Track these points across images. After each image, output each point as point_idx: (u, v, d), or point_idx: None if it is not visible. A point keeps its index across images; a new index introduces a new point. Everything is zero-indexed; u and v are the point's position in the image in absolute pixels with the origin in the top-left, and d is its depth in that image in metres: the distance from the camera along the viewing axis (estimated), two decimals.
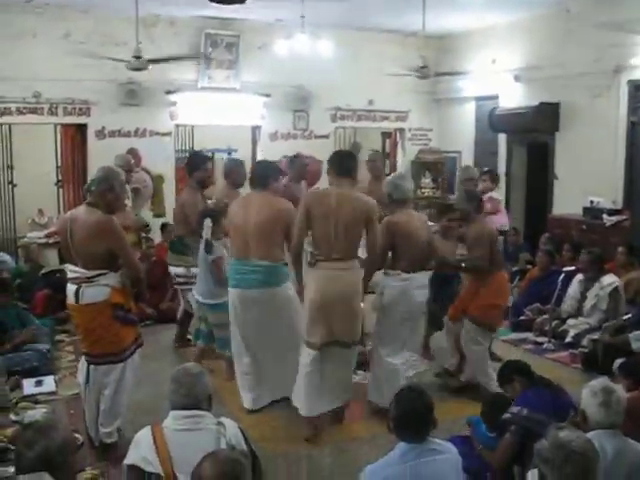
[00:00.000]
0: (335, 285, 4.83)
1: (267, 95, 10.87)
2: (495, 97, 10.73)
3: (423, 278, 5.42)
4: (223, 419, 3.08)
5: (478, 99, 11.31)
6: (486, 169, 8.87)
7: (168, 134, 10.55)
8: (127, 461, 2.97)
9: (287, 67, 10.29)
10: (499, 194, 8.60)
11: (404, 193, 5.35)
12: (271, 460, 4.43)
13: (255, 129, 11.43)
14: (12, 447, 4.54)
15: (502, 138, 10.78)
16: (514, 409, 4.07)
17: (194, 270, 6.27)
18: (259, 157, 11.35)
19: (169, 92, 10.30)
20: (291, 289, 5.32)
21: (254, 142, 11.58)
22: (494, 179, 8.31)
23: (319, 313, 4.86)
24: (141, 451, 2.93)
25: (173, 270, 6.75)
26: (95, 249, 4.46)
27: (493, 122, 10.43)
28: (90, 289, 4.48)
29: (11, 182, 10.25)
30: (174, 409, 3.05)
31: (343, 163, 5.07)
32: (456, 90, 11.57)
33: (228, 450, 2.69)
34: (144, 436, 2.98)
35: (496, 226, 6.80)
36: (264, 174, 5.39)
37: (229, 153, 11.39)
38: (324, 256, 4.86)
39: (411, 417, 3.01)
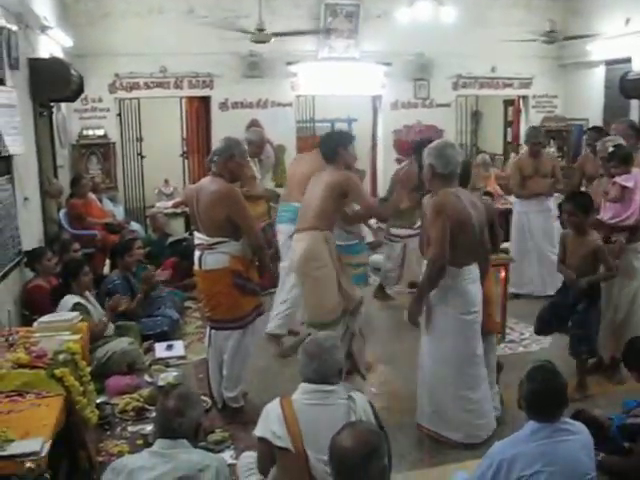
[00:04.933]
0: None
1: (387, 64, 10.76)
2: (627, 60, 10.13)
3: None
4: (353, 393, 3.09)
5: (608, 63, 10.71)
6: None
7: (289, 105, 10.66)
8: (257, 432, 3.04)
9: (407, 35, 10.10)
10: None
11: (454, 166, 4.36)
12: (395, 428, 4.45)
13: (375, 98, 11.37)
14: (148, 407, 4.82)
15: (635, 105, 10.20)
16: None
17: None
18: (379, 127, 11.32)
19: (290, 63, 10.38)
20: None
21: (375, 111, 11.52)
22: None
23: None
24: (270, 424, 2.98)
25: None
26: (216, 217, 4.59)
27: (625, 87, 9.85)
28: (211, 256, 4.64)
29: (140, 154, 10.65)
30: (305, 381, 3.09)
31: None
32: (584, 54, 11.00)
33: (368, 423, 2.71)
34: (273, 409, 3.03)
35: None
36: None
37: (349, 123, 11.37)
38: None
39: (544, 396, 2.95)
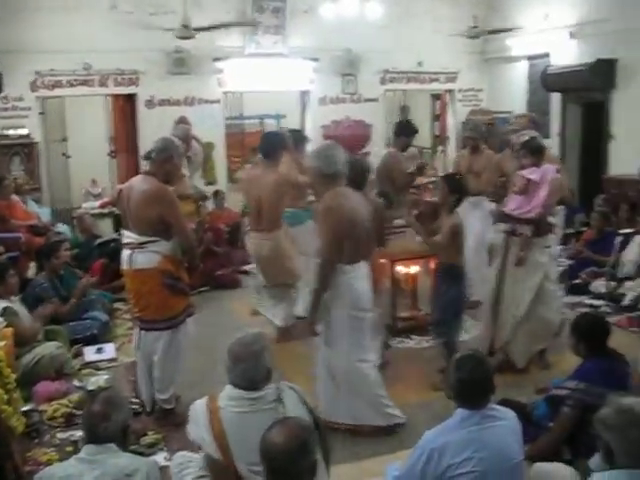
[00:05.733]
0: None
1: (315, 59, 10.78)
2: (547, 55, 10.44)
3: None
4: (284, 393, 3.01)
5: (530, 58, 11.02)
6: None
7: (217, 101, 10.56)
8: (190, 435, 3.01)
9: (334, 30, 10.16)
10: None
11: (338, 166, 4.47)
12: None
13: (304, 94, 11.38)
14: (77, 412, 4.71)
15: (556, 97, 10.51)
16: (571, 384, 4.02)
17: None
18: (308, 122, 11.34)
19: (217, 59, 10.29)
20: None
21: (303, 107, 11.53)
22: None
23: None
24: (199, 430, 2.94)
25: None
26: (148, 216, 4.54)
27: (546, 81, 10.17)
28: (141, 255, 4.58)
29: (65, 154, 10.41)
30: (231, 384, 3.00)
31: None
32: (507, 49, 11.28)
33: (298, 418, 2.70)
34: (201, 413, 2.97)
35: None
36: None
37: (278, 119, 11.37)
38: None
39: (472, 384, 3.00)
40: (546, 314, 5.45)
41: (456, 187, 5.26)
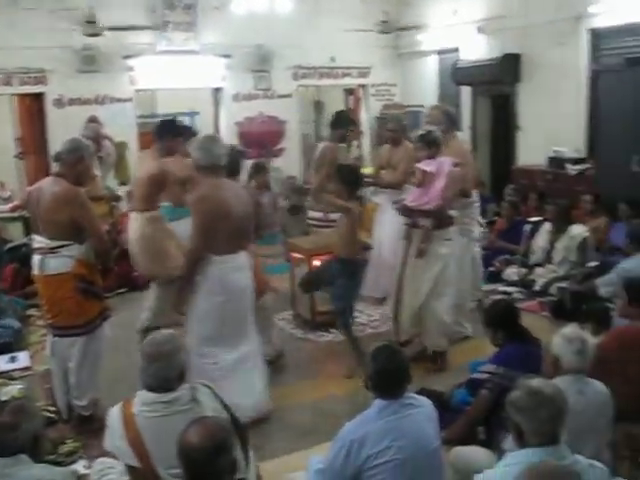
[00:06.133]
0: None
1: (227, 56, 10.71)
2: (456, 50, 10.69)
3: None
4: (199, 393, 2.97)
5: (440, 52, 11.26)
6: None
7: (129, 100, 10.37)
8: (106, 446, 2.93)
9: (246, 27, 10.15)
10: None
11: (215, 158, 4.52)
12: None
13: (217, 91, 11.29)
14: None
15: (466, 91, 10.77)
16: (490, 368, 4.14)
17: None
18: (222, 119, 11.27)
19: (127, 57, 10.09)
20: None
21: (217, 104, 11.45)
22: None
23: None
24: (115, 440, 2.87)
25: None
26: (59, 219, 4.43)
27: (455, 75, 10.41)
28: (53, 260, 4.47)
29: None
30: (145, 388, 2.93)
31: None
32: (418, 44, 11.49)
33: (214, 417, 2.68)
34: (116, 422, 2.89)
35: None
36: None
37: (192, 116, 11.25)
38: None
39: (387, 374, 3.06)
40: (437, 310, 5.51)
41: (347, 177, 5.33)
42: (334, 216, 5.96)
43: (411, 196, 5.59)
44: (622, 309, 4.63)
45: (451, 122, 6.24)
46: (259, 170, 8.05)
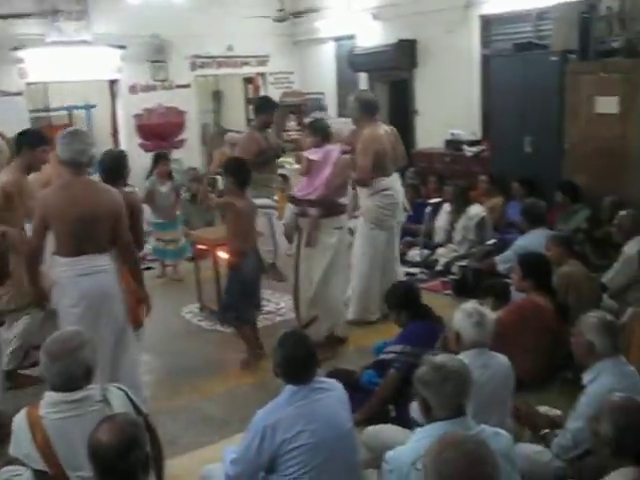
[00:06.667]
0: None
1: (122, 47, 10.42)
2: (352, 37, 10.80)
3: None
4: (108, 392, 2.88)
5: (337, 39, 11.35)
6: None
7: (19, 94, 9.96)
8: (12, 453, 2.79)
9: (141, 16, 9.93)
10: None
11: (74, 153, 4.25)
12: (162, 415, 4.45)
13: (113, 83, 11.01)
14: None
15: (363, 77, 10.90)
16: (396, 348, 4.26)
17: None
18: (119, 112, 11.02)
19: (16, 48, 9.68)
20: None
21: (113, 96, 11.17)
22: None
23: None
24: (22, 447, 2.74)
25: None
26: None
27: (352, 62, 10.53)
28: None
29: None
30: (50, 389, 2.81)
31: None
32: (314, 31, 11.54)
33: (124, 413, 2.63)
34: (21, 427, 2.77)
35: None
36: None
37: (88, 109, 10.93)
38: None
39: (295, 360, 3.10)
40: (330, 298, 5.58)
41: (232, 170, 5.29)
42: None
43: (299, 185, 5.61)
44: (518, 283, 4.86)
45: (366, 108, 6.10)
46: (160, 158, 8.01)
